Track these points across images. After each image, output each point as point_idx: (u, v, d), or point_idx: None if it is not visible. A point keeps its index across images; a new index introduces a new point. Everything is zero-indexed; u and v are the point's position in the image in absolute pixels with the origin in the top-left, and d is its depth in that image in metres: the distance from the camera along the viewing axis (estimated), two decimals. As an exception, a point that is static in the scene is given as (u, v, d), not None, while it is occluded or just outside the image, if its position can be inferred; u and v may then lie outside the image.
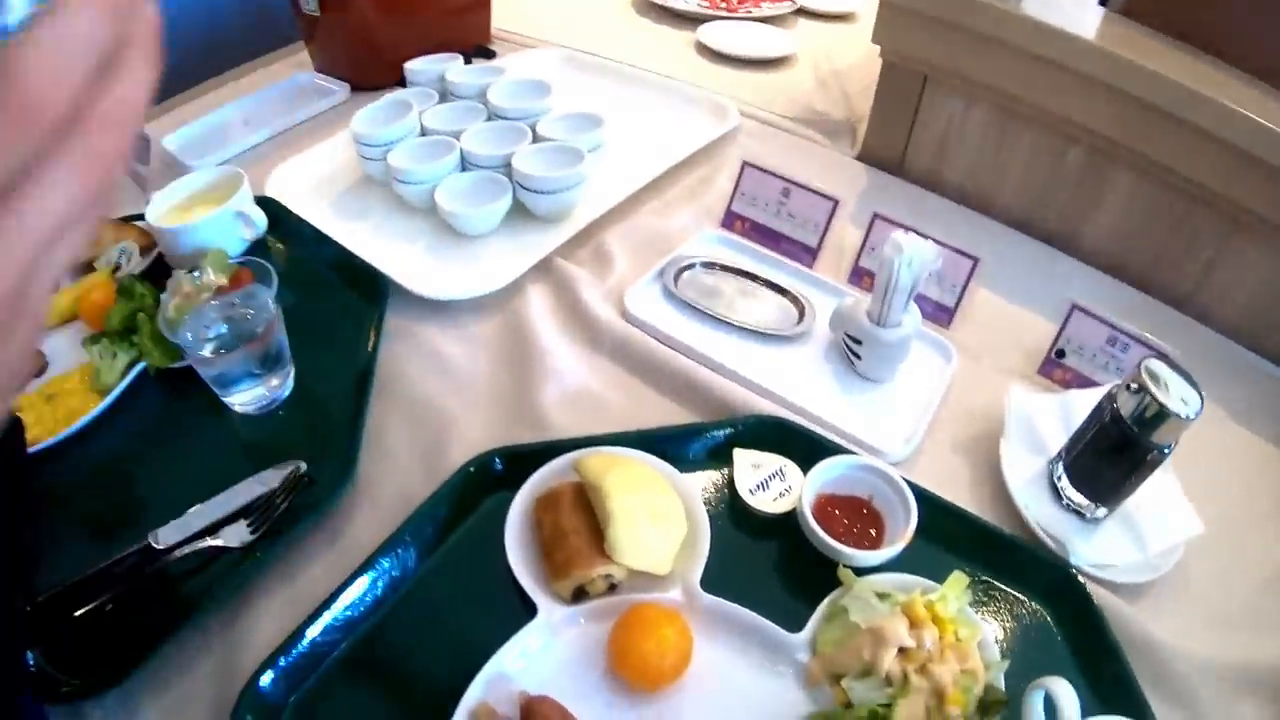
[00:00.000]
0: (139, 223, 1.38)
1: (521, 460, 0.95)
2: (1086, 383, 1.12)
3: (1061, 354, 1.14)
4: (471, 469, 0.96)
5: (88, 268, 1.32)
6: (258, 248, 1.34)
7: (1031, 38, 1.28)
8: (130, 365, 1.16)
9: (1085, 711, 0.69)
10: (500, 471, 0.96)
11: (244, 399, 1.10)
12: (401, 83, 1.75)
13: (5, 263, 0.28)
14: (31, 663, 0.84)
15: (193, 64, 2.51)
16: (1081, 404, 1.00)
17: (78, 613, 0.86)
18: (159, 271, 1.27)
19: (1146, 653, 0.84)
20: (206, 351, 1.06)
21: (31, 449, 1.03)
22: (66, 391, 1.14)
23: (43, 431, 1.07)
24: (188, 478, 1.02)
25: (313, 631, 0.83)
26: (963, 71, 1.40)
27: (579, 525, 0.84)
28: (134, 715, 0.81)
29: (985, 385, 1.14)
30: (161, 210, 1.32)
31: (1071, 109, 1.31)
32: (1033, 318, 1.26)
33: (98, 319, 1.21)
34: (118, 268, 1.32)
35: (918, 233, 1.05)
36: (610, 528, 0.81)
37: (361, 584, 0.86)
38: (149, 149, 1.49)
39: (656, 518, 0.84)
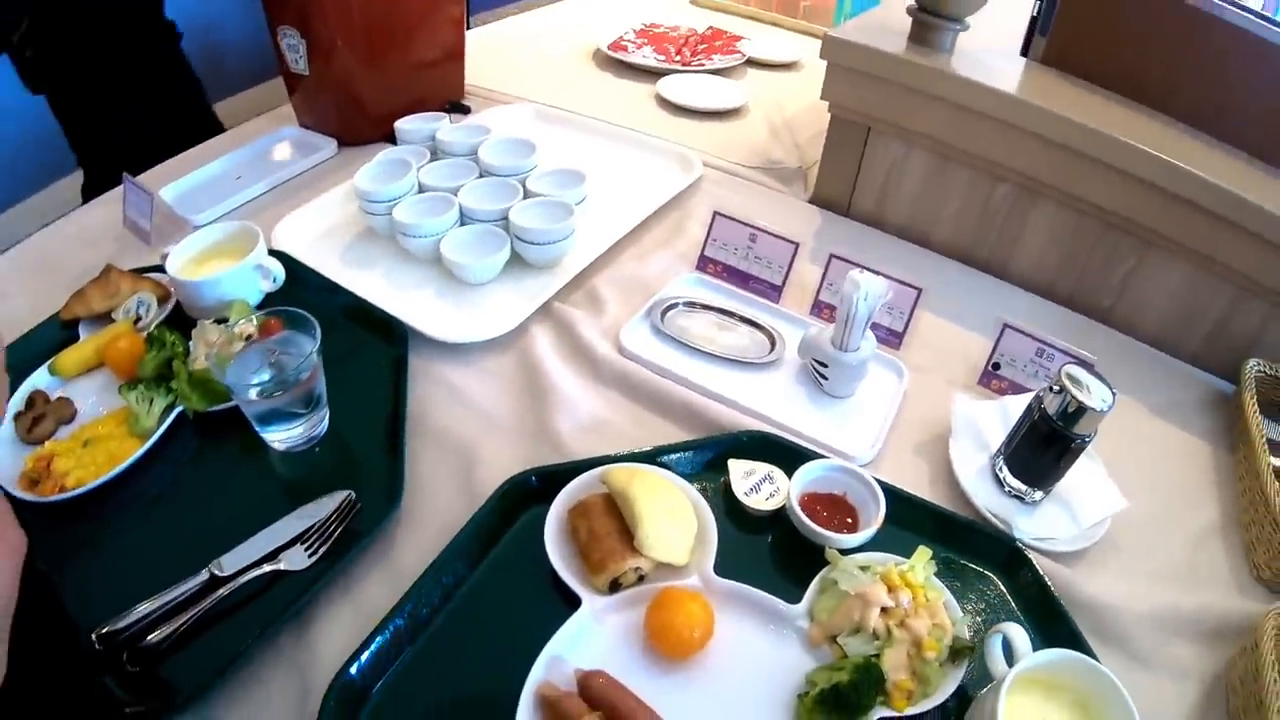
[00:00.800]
0: (153, 275, 1.45)
1: (552, 477, 1.08)
2: (1020, 389, 1.27)
3: (997, 366, 1.29)
4: (510, 487, 1.07)
5: (106, 319, 1.39)
6: (274, 298, 1.41)
7: (959, 92, 1.44)
8: (167, 410, 1.21)
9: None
10: (535, 487, 1.08)
11: (285, 437, 1.17)
12: (387, 138, 1.87)
13: None
14: (107, 692, 0.90)
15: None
16: (1016, 407, 1.16)
17: (151, 639, 0.92)
18: (176, 321, 1.35)
19: (1085, 608, 0.99)
20: (252, 394, 1.11)
21: (76, 491, 1.09)
22: (103, 436, 1.18)
23: (85, 475, 1.11)
24: (233, 511, 1.09)
25: (389, 630, 0.92)
26: (901, 122, 1.55)
27: (610, 528, 0.98)
28: None
29: (933, 396, 1.28)
30: (178, 264, 1.39)
31: (997, 152, 1.46)
32: (971, 336, 1.41)
33: (125, 366, 1.27)
34: (138, 319, 1.38)
35: (870, 270, 1.22)
36: (640, 528, 0.95)
37: (426, 588, 0.96)
38: (151, 204, 1.57)
39: (674, 518, 0.98)
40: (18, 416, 1.23)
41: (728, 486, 1.10)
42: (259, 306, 1.30)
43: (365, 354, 1.33)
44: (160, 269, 1.46)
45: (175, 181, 1.75)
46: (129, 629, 0.93)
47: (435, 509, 1.11)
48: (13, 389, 1.26)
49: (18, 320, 1.38)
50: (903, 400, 1.28)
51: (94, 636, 0.92)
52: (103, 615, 0.94)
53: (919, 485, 1.14)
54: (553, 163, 1.65)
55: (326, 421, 1.21)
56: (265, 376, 1.15)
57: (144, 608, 0.95)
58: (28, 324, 1.38)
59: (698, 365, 1.31)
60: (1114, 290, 1.48)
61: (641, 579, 0.98)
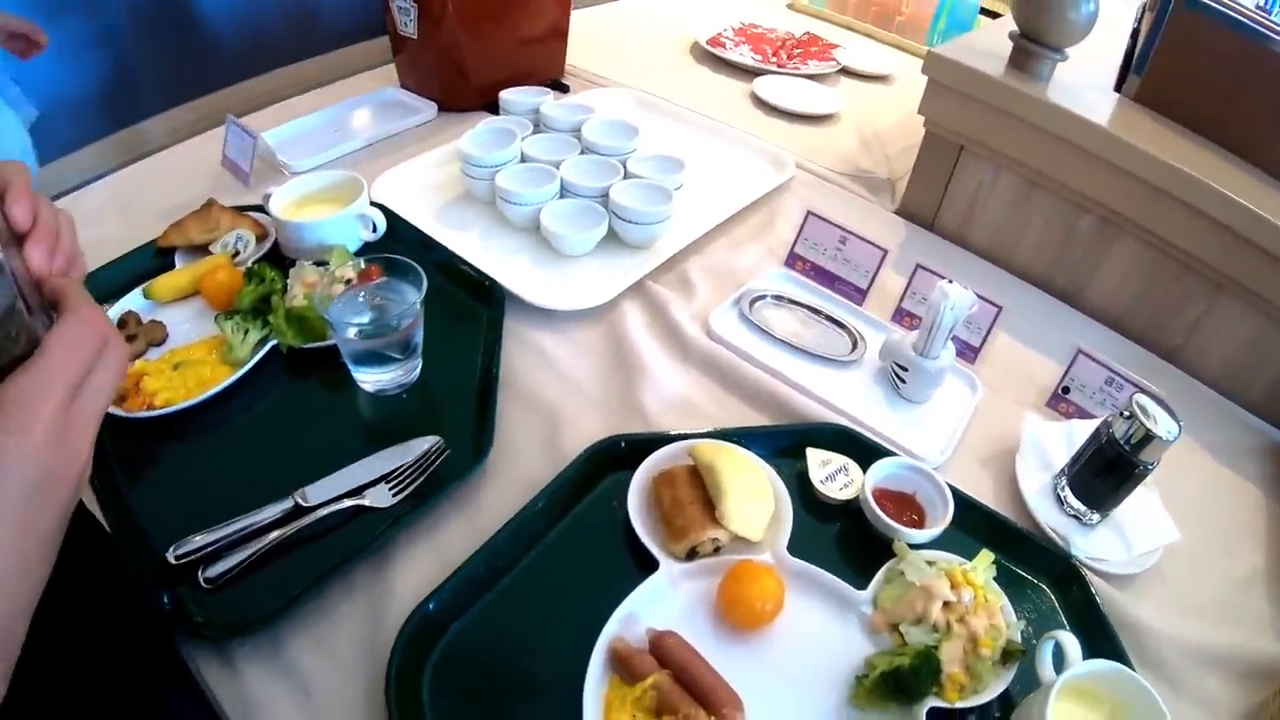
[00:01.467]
0: (253, 214, 1.50)
1: (639, 445, 1.13)
2: (1086, 415, 1.31)
3: (1066, 390, 1.33)
4: (598, 449, 1.13)
5: (203, 251, 1.44)
6: (371, 248, 1.46)
7: (1053, 121, 1.47)
8: (261, 342, 1.25)
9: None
10: (622, 452, 1.13)
11: (377, 379, 1.22)
12: (485, 107, 1.94)
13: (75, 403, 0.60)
14: (176, 605, 0.94)
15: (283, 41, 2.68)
16: (1081, 431, 1.20)
17: (229, 560, 0.97)
18: (272, 261, 1.40)
19: (1127, 629, 1.02)
20: (351, 333, 1.16)
21: (164, 410, 1.13)
22: (194, 361, 1.23)
23: (173, 395, 1.16)
24: (317, 446, 1.14)
25: (469, 572, 0.97)
26: (993, 145, 1.59)
27: (693, 498, 1.03)
28: (282, 651, 0.93)
29: (1001, 412, 1.32)
30: (280, 205, 1.45)
31: (1085, 183, 1.49)
32: (1042, 359, 1.44)
33: (221, 297, 1.32)
34: (235, 253, 1.43)
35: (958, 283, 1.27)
36: (723, 501, 1.00)
37: (509, 536, 1.01)
38: (254, 147, 1.64)
39: (755, 495, 1.04)
40: None
41: (803, 473, 1.14)
42: (356, 254, 1.34)
43: (457, 310, 1.39)
44: (257, 209, 1.52)
45: (276, 128, 1.82)
46: (206, 548, 0.98)
47: (519, 464, 1.16)
48: (105, 308, 1.30)
49: (107, 245, 1.43)
50: (974, 413, 1.32)
51: (171, 554, 0.96)
52: (179, 533, 0.99)
53: (981, 494, 1.17)
54: (650, 148, 1.71)
55: (419, 370, 1.26)
56: (366, 318, 1.20)
57: (224, 529, 0.99)
58: (117, 250, 1.43)
59: (781, 356, 1.36)
60: (1183, 331, 1.50)
61: (717, 550, 1.03)
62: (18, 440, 0.55)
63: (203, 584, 0.95)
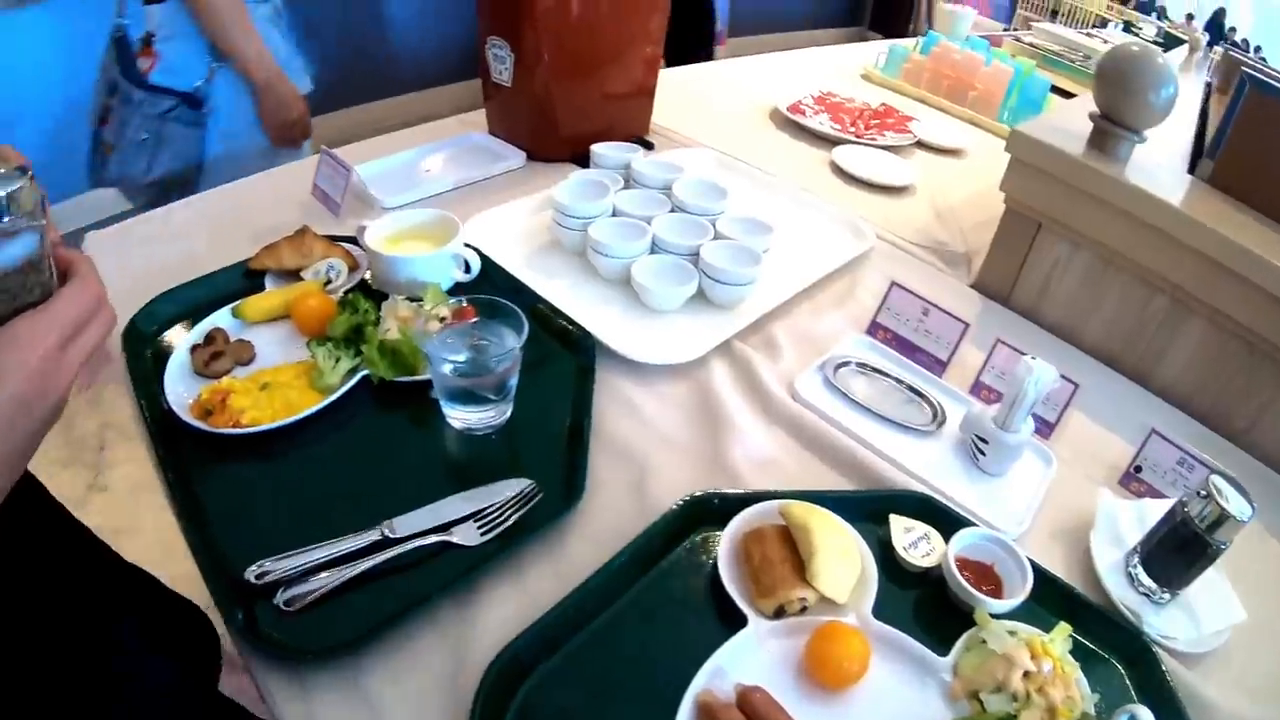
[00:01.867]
0: (346, 244, 1.55)
1: (730, 502, 1.17)
2: (1157, 494, 1.33)
3: (1139, 469, 1.36)
4: (691, 503, 1.16)
5: (293, 275, 1.48)
6: (462, 288, 1.50)
7: (1130, 200, 1.51)
8: (351, 371, 1.27)
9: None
10: (714, 507, 1.17)
11: (467, 418, 1.24)
12: (572, 159, 2.03)
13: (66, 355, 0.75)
14: (252, 625, 0.96)
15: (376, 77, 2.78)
16: (1153, 510, 1.24)
17: (313, 584, 0.99)
18: (361, 291, 1.43)
19: (1197, 708, 1.05)
20: (447, 370, 1.19)
21: (251, 429, 1.16)
22: (282, 383, 1.25)
23: (260, 415, 1.18)
24: (401, 479, 1.17)
25: (557, 616, 0.98)
26: (1071, 223, 1.63)
27: (783, 556, 1.07)
28: (360, 681, 0.94)
29: (1074, 488, 1.35)
30: (375, 239, 1.48)
31: (1158, 263, 1.53)
32: (1111, 435, 1.47)
33: (311, 323, 1.35)
34: (327, 281, 1.47)
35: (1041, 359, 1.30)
36: (813, 560, 1.04)
37: (598, 583, 1.03)
38: (348, 179, 1.71)
39: (844, 557, 1.08)
40: (196, 349, 1.31)
41: (885, 538, 1.18)
42: (449, 293, 1.38)
43: (547, 355, 1.42)
44: (349, 240, 1.57)
45: (366, 163, 1.90)
46: (290, 571, 1.00)
47: (607, 511, 1.19)
48: (194, 325, 1.36)
49: (195, 261, 1.50)
50: (1049, 488, 1.34)
51: (251, 574, 1.00)
52: (256, 552, 1.01)
53: (1053, 567, 1.20)
54: (738, 210, 1.77)
55: (510, 413, 1.28)
56: (463, 357, 1.23)
57: (308, 554, 1.02)
58: (204, 266, 1.48)
59: (864, 422, 1.40)
60: (1249, 416, 1.52)
61: (804, 610, 1.07)
62: (18, 362, 0.70)
63: (281, 606, 0.97)
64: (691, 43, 4.68)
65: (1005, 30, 4.15)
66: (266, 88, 2.25)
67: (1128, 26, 3.94)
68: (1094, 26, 4.08)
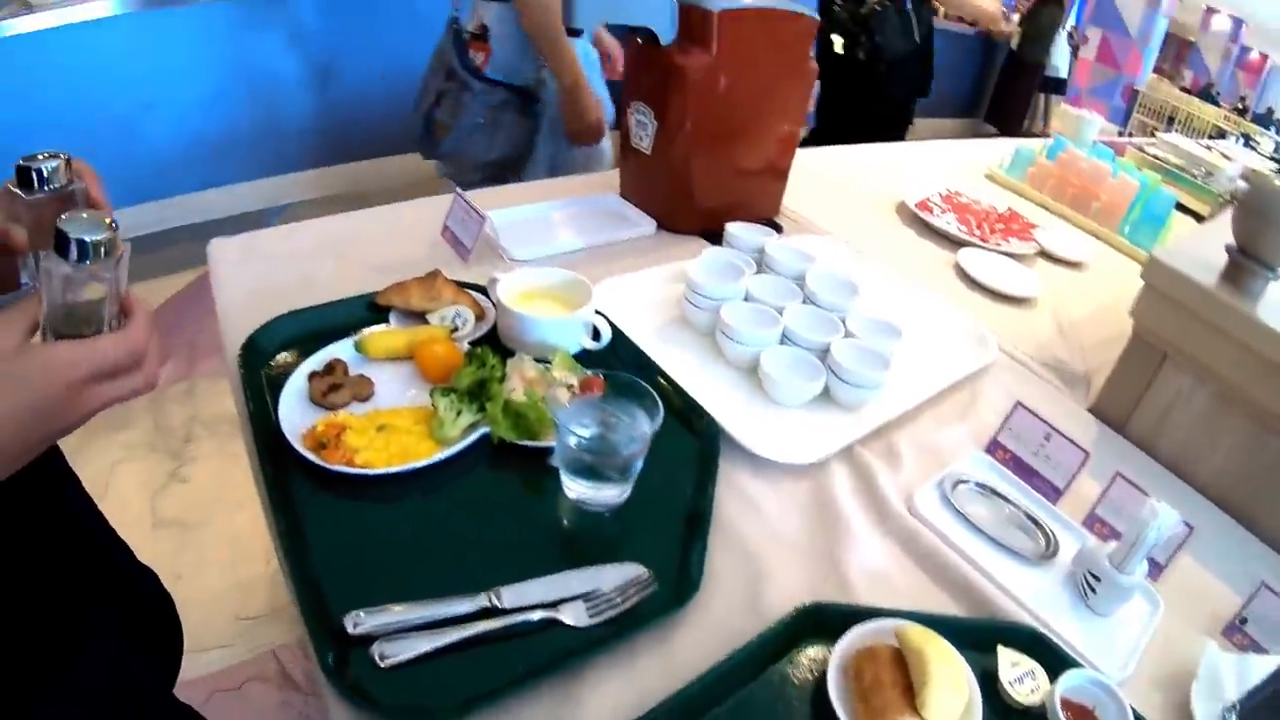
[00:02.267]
0: (475, 293, 1.59)
1: (845, 615, 1.19)
2: (1260, 650, 1.33)
3: (1244, 621, 1.36)
4: (805, 613, 1.15)
5: (419, 317, 1.50)
6: (591, 355, 1.51)
7: (1262, 339, 1.51)
8: (472, 426, 1.27)
9: None
10: (827, 619, 1.18)
11: (584, 493, 1.23)
12: (702, 233, 2.07)
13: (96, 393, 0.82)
14: (344, 676, 0.96)
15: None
16: (1257, 666, 1.25)
17: (415, 645, 0.99)
18: (488, 342, 1.46)
19: None
20: (572, 442, 1.18)
21: (363, 471, 1.18)
22: (399, 428, 1.25)
23: (374, 458, 1.19)
24: (509, 545, 1.17)
25: (666, 713, 0.99)
26: (1198, 356, 1.63)
27: (894, 679, 1.10)
28: None
29: (1177, 633, 1.35)
30: (506, 293, 1.50)
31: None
32: (1216, 582, 1.47)
33: (434, 369, 1.36)
34: (455, 328, 1.49)
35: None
36: (926, 688, 1.07)
37: (708, 683, 1.03)
38: (481, 227, 1.77)
39: (954, 687, 1.11)
40: (314, 376, 1.33)
41: (994, 670, 1.19)
42: (576, 358, 1.40)
43: (667, 435, 1.34)
44: (477, 289, 1.62)
45: (497, 210, 1.93)
46: (386, 625, 1.01)
47: (719, 607, 1.19)
48: (312, 350, 1.40)
49: (317, 285, 1.56)
50: (1155, 632, 1.34)
51: (350, 624, 1.00)
52: (355, 595, 1.02)
53: (1150, 714, 1.21)
54: (868, 308, 1.79)
55: (629, 494, 1.27)
56: (591, 432, 1.23)
57: (412, 613, 1.02)
58: (324, 287, 1.55)
59: (978, 545, 1.42)
60: (1362, 571, 1.51)
61: (910, 735, 1.10)
62: (46, 380, 0.78)
63: (377, 660, 0.97)
64: (895, 119, 4.73)
65: (1121, 134, 4.16)
66: (573, 88, 2.67)
67: (1247, 140, 3.92)
68: (1210, 137, 4.07)
